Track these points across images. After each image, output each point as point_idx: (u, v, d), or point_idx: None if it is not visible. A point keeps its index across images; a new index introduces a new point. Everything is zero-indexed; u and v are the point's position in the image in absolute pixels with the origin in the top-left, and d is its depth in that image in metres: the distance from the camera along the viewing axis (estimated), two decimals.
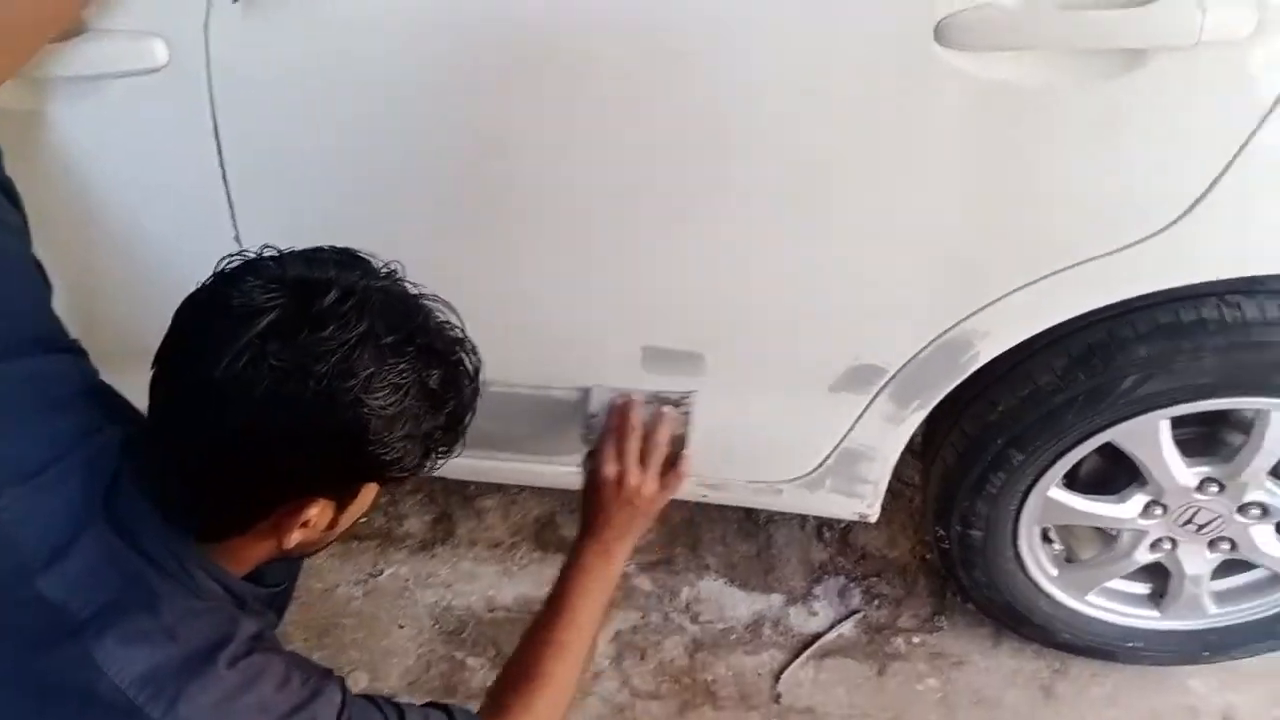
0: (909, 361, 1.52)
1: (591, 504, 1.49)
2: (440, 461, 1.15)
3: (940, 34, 1.20)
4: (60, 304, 1.30)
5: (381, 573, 2.13)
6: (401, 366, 1.03)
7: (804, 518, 2.22)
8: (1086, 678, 2.02)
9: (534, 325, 1.57)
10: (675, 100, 1.30)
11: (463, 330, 1.13)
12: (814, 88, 1.27)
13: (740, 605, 2.12)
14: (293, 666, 1.14)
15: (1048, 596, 1.88)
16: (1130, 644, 1.94)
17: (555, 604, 1.42)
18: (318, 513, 1.10)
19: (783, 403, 1.64)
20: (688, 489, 1.83)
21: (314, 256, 1.07)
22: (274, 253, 1.07)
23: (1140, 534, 1.74)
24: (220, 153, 1.38)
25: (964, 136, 1.28)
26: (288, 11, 1.28)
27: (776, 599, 2.13)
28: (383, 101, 1.35)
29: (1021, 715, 1.97)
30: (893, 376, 1.55)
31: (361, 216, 1.43)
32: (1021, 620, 1.93)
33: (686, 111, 1.31)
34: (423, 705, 1.25)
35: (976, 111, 1.26)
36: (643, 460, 1.49)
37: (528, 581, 2.12)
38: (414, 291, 1.10)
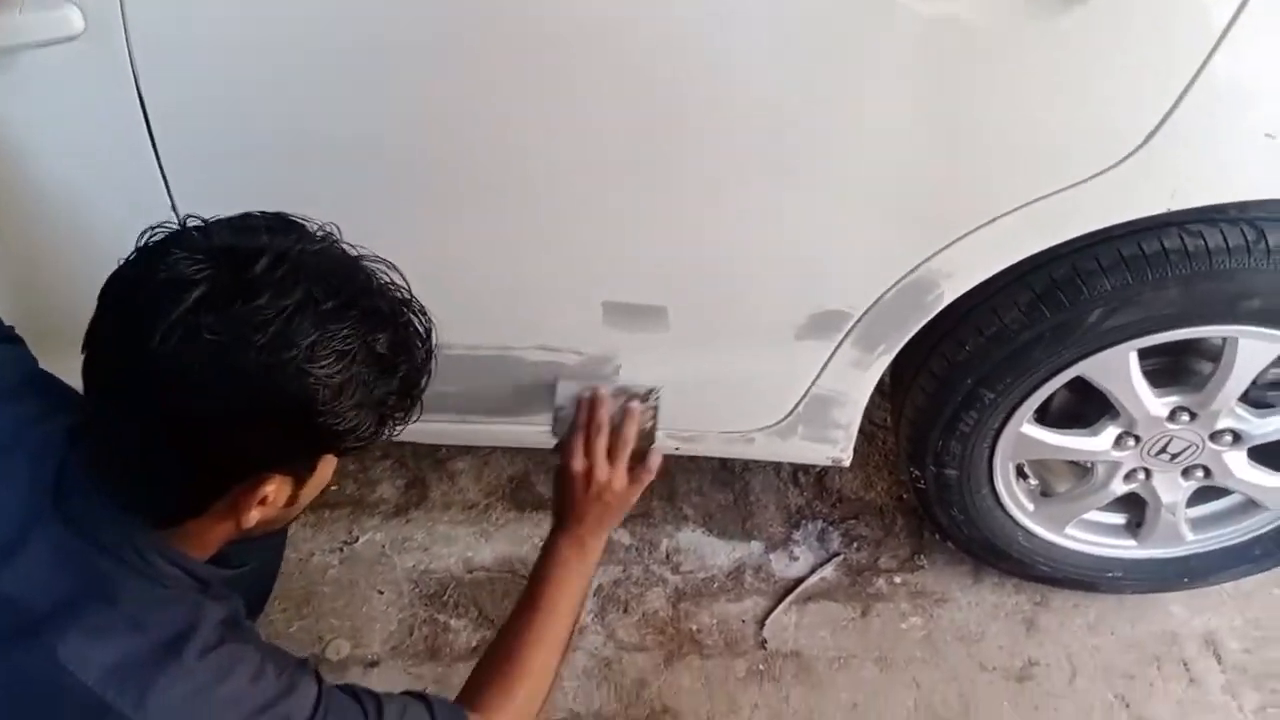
0: (874, 304, 1.51)
1: (562, 498, 1.48)
2: (398, 428, 1.11)
3: None
4: None
5: (357, 540, 2.11)
6: (345, 332, 0.99)
7: (779, 464, 2.22)
8: (1068, 609, 2.03)
9: (493, 284, 1.54)
10: (629, 52, 1.27)
11: (409, 291, 1.09)
12: (767, 36, 1.24)
13: (720, 554, 2.12)
14: (267, 657, 1.12)
15: (1026, 531, 1.88)
16: (1110, 574, 1.95)
17: (533, 596, 1.41)
18: (275, 489, 1.07)
19: (749, 352, 1.63)
20: (659, 442, 1.83)
21: (242, 224, 1.03)
22: (198, 222, 1.02)
23: (1114, 465, 1.74)
24: (147, 118, 1.33)
25: (916, 76, 1.25)
26: None
27: (756, 546, 2.13)
28: (309, 61, 1.31)
29: (1005, 649, 1.98)
30: (858, 320, 1.54)
31: (301, 178, 1.38)
32: (1001, 555, 1.94)
33: (640, 64, 1.28)
34: (401, 694, 1.23)
35: (927, 50, 1.23)
36: (611, 456, 1.48)
37: (505, 541, 2.11)
38: (354, 254, 1.06)
